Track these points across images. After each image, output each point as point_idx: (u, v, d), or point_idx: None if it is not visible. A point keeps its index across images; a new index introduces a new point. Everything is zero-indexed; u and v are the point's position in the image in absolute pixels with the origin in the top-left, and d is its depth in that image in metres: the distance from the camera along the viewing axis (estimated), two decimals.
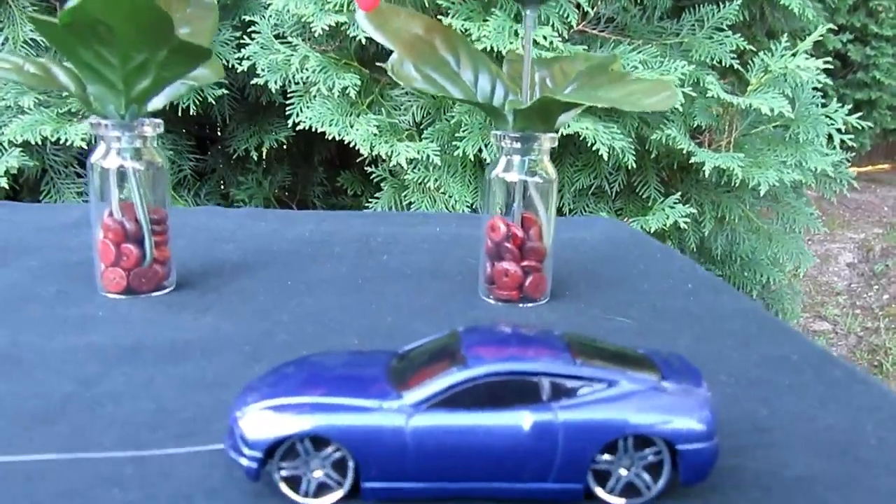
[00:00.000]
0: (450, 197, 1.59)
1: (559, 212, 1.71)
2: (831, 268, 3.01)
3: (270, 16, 1.62)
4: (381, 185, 1.68)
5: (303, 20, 1.55)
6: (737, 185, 1.63)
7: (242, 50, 1.59)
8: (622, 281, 0.72)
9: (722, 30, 1.69)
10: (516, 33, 1.45)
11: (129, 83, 0.60)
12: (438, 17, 1.50)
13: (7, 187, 1.55)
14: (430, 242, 0.85)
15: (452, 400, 0.34)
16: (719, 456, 0.36)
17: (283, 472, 0.35)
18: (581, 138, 1.53)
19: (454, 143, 1.53)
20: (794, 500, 0.37)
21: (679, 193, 1.65)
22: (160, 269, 0.66)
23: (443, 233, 0.90)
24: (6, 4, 1.64)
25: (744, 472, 0.39)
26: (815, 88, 1.70)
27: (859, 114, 1.69)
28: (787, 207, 1.84)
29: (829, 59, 1.66)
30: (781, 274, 1.98)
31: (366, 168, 1.68)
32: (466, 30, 1.46)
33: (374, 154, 1.52)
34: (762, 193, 1.59)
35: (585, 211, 1.72)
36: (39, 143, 1.53)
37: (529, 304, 0.65)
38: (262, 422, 0.34)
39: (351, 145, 1.52)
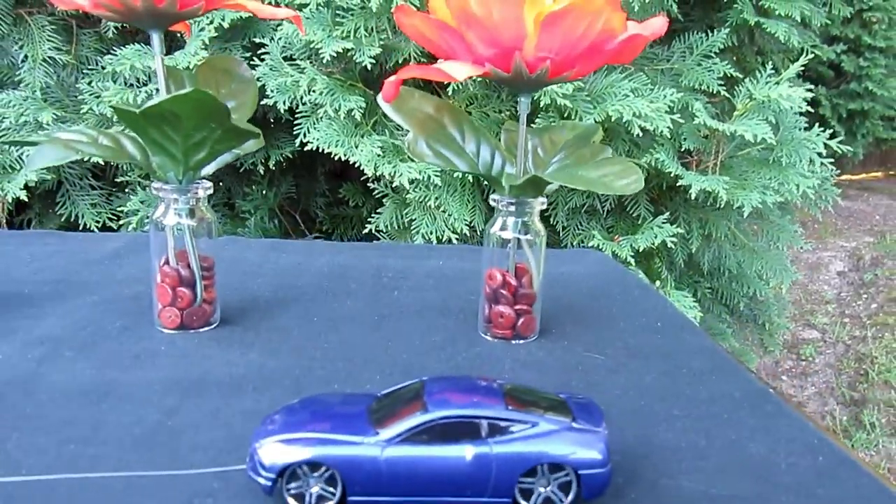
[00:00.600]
0: (449, 215, 1.73)
1: (553, 231, 1.86)
2: (822, 276, 3.17)
3: (280, 39, 1.75)
4: (384, 200, 1.82)
5: (311, 45, 1.68)
6: (722, 206, 1.78)
7: (253, 71, 1.71)
8: (602, 318, 0.87)
9: (710, 56, 1.84)
10: None
11: (188, 156, 0.75)
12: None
13: (26, 199, 1.69)
14: (434, 278, 0.99)
15: (416, 436, 0.49)
16: (663, 475, 0.51)
17: (291, 490, 0.49)
18: None
19: None
20: None
21: (668, 213, 1.80)
22: (208, 308, 0.81)
23: (446, 267, 1.04)
24: (25, 23, 1.78)
25: (679, 490, 0.54)
26: (800, 113, 1.85)
27: (840, 138, 1.83)
28: (771, 225, 1.99)
29: (811, 87, 1.81)
30: (767, 287, 2.13)
31: (369, 184, 1.82)
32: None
33: (377, 174, 1.66)
34: (745, 214, 1.74)
35: (578, 229, 1.86)
36: None
37: (521, 342, 0.80)
38: (275, 451, 0.49)
39: (356, 165, 1.66)
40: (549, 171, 0.77)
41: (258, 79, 1.71)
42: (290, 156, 1.88)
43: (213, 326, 0.81)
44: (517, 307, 0.80)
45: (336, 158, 1.66)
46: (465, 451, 0.49)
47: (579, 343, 0.80)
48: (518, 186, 0.76)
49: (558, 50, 0.70)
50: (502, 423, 0.49)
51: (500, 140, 0.83)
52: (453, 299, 0.92)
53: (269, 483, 0.49)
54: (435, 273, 1.02)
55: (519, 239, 0.79)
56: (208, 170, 0.79)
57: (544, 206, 0.79)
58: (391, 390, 0.55)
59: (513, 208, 0.78)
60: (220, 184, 2.01)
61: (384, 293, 0.93)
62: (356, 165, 1.66)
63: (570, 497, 0.50)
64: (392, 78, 0.72)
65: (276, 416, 0.53)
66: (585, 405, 0.54)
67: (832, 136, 1.82)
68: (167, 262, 0.79)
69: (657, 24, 0.72)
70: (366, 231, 1.83)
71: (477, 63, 0.72)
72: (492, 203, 0.80)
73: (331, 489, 0.49)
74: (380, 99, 0.77)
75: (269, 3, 1.60)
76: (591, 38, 0.69)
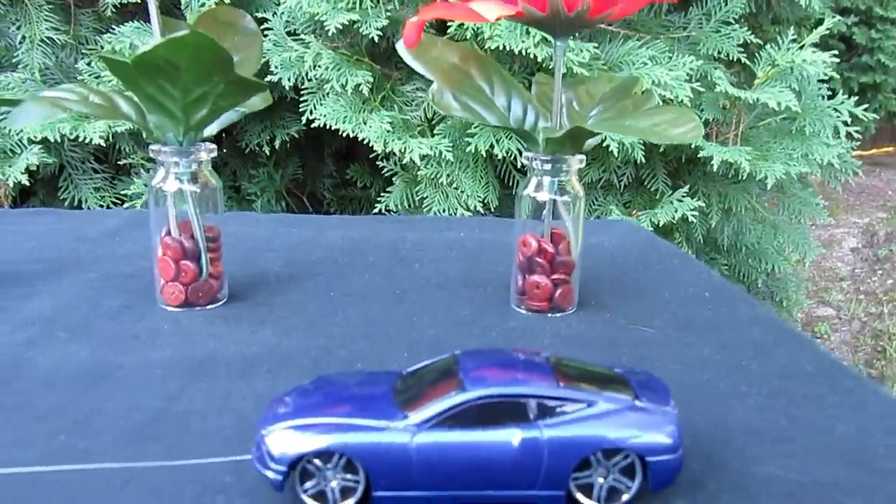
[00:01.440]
0: (462, 192, 1.64)
1: None
2: (835, 253, 3.08)
3: (283, 13, 1.67)
4: (393, 179, 1.73)
5: (315, 18, 1.60)
6: (744, 177, 1.69)
7: None
8: (643, 289, 0.78)
9: (729, 23, 1.75)
10: (528, 31, 1.51)
11: (188, 113, 0.66)
12: None
13: (28, 183, 1.60)
14: (456, 249, 0.91)
15: (451, 419, 0.40)
16: (746, 462, 0.43)
17: (308, 491, 0.41)
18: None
19: (466, 139, 1.59)
20: None
21: (687, 186, 1.71)
22: (214, 283, 0.72)
23: (466, 238, 0.96)
24: (22, 3, 1.69)
25: (768, 478, 0.45)
26: (820, 81, 1.76)
27: (865, 105, 1.75)
28: (792, 198, 1.91)
29: (835, 51, 1.72)
30: (786, 262, 2.05)
31: (377, 163, 1.74)
32: (479, 27, 1.52)
33: (387, 150, 1.57)
34: (769, 186, 1.65)
35: (595, 204, 1.78)
36: (58, 140, 1.59)
37: (558, 315, 0.72)
38: (286, 440, 0.40)
39: (365, 142, 1.58)
40: (591, 123, 0.68)
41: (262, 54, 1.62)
42: (296, 135, 1.80)
43: (220, 303, 0.73)
44: (554, 276, 0.71)
45: (344, 136, 1.57)
46: (512, 436, 0.40)
47: (622, 315, 0.72)
48: (556, 141, 0.67)
49: None
50: (554, 403, 0.41)
51: (531, 93, 0.74)
52: (478, 271, 0.83)
53: (280, 477, 0.40)
54: (456, 245, 0.93)
55: (555, 201, 0.71)
56: (211, 129, 0.71)
57: (583, 165, 0.70)
58: (418, 367, 0.46)
59: (548, 167, 0.70)
60: (226, 165, 1.93)
61: (403, 266, 0.85)
62: (365, 143, 1.58)
63: (634, 489, 0.42)
64: (413, 19, 0.63)
65: (287, 398, 0.44)
66: (647, 380, 0.45)
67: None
68: (169, 234, 0.71)
69: None
70: (375, 211, 1.75)
71: (509, 2, 0.64)
72: (524, 161, 0.71)
73: (353, 483, 0.41)
74: (399, 46, 0.69)
75: None
76: None
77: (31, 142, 1.64)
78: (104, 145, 1.61)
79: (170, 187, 0.70)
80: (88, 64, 1.66)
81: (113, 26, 1.65)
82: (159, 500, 0.42)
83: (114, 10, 1.70)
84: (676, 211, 1.66)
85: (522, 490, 0.41)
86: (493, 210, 1.70)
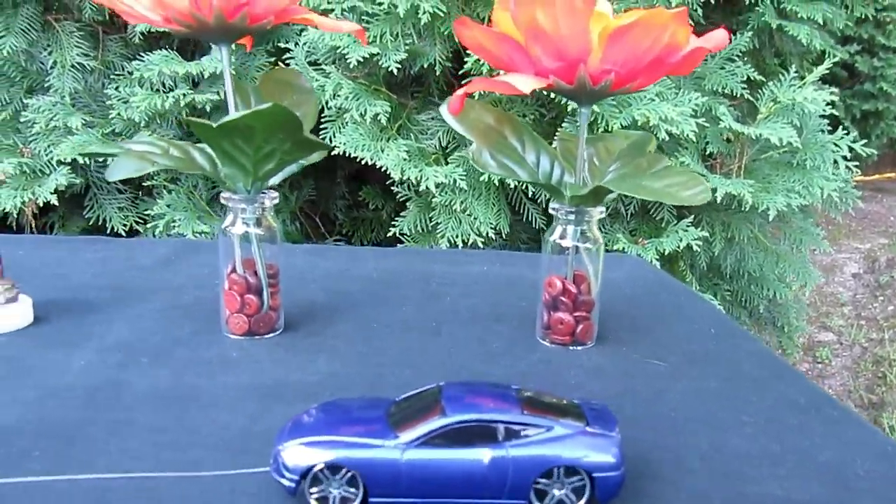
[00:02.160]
0: (475, 219, 1.75)
1: None
2: (836, 278, 3.19)
3: (305, 43, 1.77)
4: (407, 204, 1.84)
5: (337, 50, 1.71)
6: (747, 209, 1.81)
7: None
8: (655, 325, 0.89)
9: (733, 60, 1.86)
10: None
11: (258, 167, 0.77)
12: (468, 51, 1.66)
13: (56, 203, 1.71)
14: (481, 284, 1.02)
15: (434, 439, 0.51)
16: (744, 481, 0.54)
17: (314, 494, 0.52)
18: None
19: (480, 168, 1.70)
20: None
21: (692, 216, 1.83)
22: (273, 315, 0.83)
23: (490, 273, 1.07)
24: (53, 29, 1.80)
25: (762, 496, 0.56)
26: (822, 116, 1.88)
27: (864, 141, 1.86)
28: (793, 228, 2.02)
29: (835, 88, 1.83)
30: (787, 289, 2.16)
31: (393, 188, 1.84)
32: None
33: (404, 178, 1.68)
34: (771, 217, 1.76)
35: (602, 231, 1.89)
36: (86, 161, 1.70)
37: (579, 348, 0.83)
38: (298, 454, 0.52)
39: (382, 169, 1.69)
40: (610, 181, 0.79)
41: None
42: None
43: (277, 332, 0.84)
44: (576, 314, 0.82)
45: (360, 162, 1.68)
46: (483, 455, 0.51)
47: (637, 349, 0.83)
48: (580, 196, 0.78)
49: (623, 63, 0.73)
50: (518, 427, 0.52)
51: (555, 148, 0.85)
52: (504, 306, 0.94)
53: (293, 484, 0.52)
54: (481, 279, 1.04)
55: (577, 247, 0.82)
56: (274, 180, 0.81)
57: (603, 215, 0.81)
58: (408, 395, 0.57)
59: (572, 217, 0.81)
60: None
61: (436, 300, 0.96)
62: (382, 169, 1.69)
63: (584, 500, 0.52)
64: (459, 91, 0.75)
65: (298, 419, 0.55)
66: (599, 411, 0.56)
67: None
68: (234, 270, 0.82)
69: (719, 37, 0.75)
70: (389, 234, 1.85)
71: (540, 75, 0.75)
72: (551, 212, 0.82)
73: (353, 490, 0.52)
74: (443, 110, 0.80)
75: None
76: (656, 51, 0.72)
77: (59, 163, 1.75)
78: None
79: (237, 230, 0.81)
80: (116, 89, 1.76)
81: (140, 53, 1.76)
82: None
83: (141, 37, 1.81)
84: (682, 240, 1.77)
85: (492, 499, 0.52)
86: (504, 237, 1.81)
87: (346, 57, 1.67)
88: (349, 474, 0.51)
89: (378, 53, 1.68)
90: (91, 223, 1.85)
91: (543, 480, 0.52)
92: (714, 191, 1.73)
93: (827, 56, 1.95)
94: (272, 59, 1.82)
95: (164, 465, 0.58)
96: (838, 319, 2.86)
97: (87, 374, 0.72)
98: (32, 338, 0.80)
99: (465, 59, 1.66)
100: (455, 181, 1.67)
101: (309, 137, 0.76)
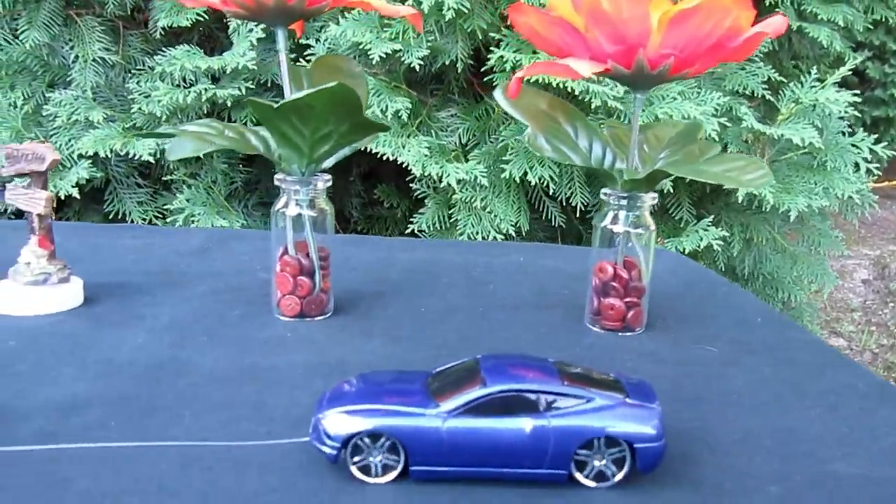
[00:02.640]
0: (495, 216, 1.76)
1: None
2: (847, 284, 3.20)
3: (326, 39, 1.78)
4: (426, 201, 1.84)
5: (360, 46, 1.71)
6: (767, 209, 1.81)
7: None
8: (700, 314, 0.90)
9: (753, 61, 1.87)
10: None
11: (314, 149, 0.78)
12: (490, 48, 1.67)
13: (77, 196, 1.71)
14: (522, 274, 1.02)
15: (475, 409, 0.52)
16: (822, 462, 0.55)
17: (357, 463, 0.52)
18: None
19: (501, 165, 1.71)
20: (870, 496, 0.55)
21: (711, 216, 1.83)
22: (324, 297, 0.83)
23: (528, 264, 1.07)
24: (75, 24, 1.80)
25: (841, 474, 0.57)
26: (841, 118, 1.89)
27: (884, 144, 1.87)
28: (811, 230, 2.02)
29: (857, 90, 1.84)
30: (802, 292, 2.16)
31: (410, 185, 1.85)
32: (518, 60, 1.63)
33: (425, 174, 1.68)
34: (792, 218, 1.77)
35: None
36: (107, 155, 1.70)
37: (629, 334, 0.83)
38: (340, 422, 0.52)
39: (403, 166, 1.69)
40: (668, 165, 0.80)
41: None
42: None
43: (327, 315, 0.84)
44: (627, 300, 0.83)
45: (380, 158, 1.68)
46: (524, 424, 0.51)
47: (686, 336, 0.83)
48: (634, 181, 0.79)
49: (682, 47, 0.73)
50: (559, 398, 0.52)
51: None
52: (548, 294, 0.95)
53: (335, 452, 0.52)
54: (521, 269, 1.05)
55: (629, 232, 0.82)
56: (328, 162, 0.82)
57: (655, 201, 0.82)
58: (445, 367, 0.57)
59: (624, 202, 0.81)
60: (259, 183, 2.03)
61: (479, 288, 0.96)
62: (404, 166, 1.69)
63: (624, 471, 0.53)
64: (518, 74, 0.75)
65: (337, 389, 0.55)
66: (638, 385, 0.57)
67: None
68: (286, 252, 0.82)
69: (777, 23, 0.75)
70: (408, 231, 1.86)
71: (597, 60, 0.75)
72: (602, 197, 0.83)
73: (394, 457, 0.52)
74: (498, 94, 0.81)
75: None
76: (717, 35, 0.72)
77: (80, 157, 1.75)
78: (153, 160, 1.72)
79: (290, 212, 0.81)
80: (138, 83, 1.77)
81: (160, 48, 1.77)
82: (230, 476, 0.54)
83: (162, 32, 1.82)
84: (702, 239, 1.77)
85: (533, 469, 0.52)
86: (524, 235, 1.81)
87: (369, 53, 1.67)
88: (390, 442, 0.52)
89: (400, 50, 1.69)
90: (110, 218, 1.85)
91: (584, 451, 0.52)
92: (735, 191, 1.74)
93: (846, 58, 1.96)
94: (293, 56, 1.82)
95: (242, 436, 0.58)
96: (848, 325, 2.87)
97: (147, 351, 0.72)
98: (86, 317, 0.80)
99: (489, 57, 1.66)
100: (476, 178, 1.68)
101: (368, 118, 0.76)
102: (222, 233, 1.16)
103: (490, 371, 0.54)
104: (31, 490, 0.51)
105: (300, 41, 1.80)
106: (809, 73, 1.83)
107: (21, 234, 0.82)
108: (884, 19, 2.11)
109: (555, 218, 1.84)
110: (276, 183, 0.81)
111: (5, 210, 1.85)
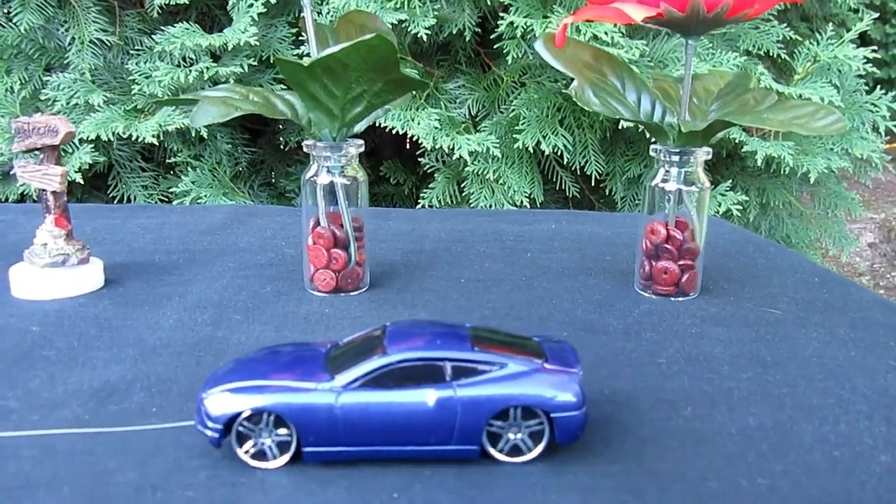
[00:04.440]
0: (508, 188, 1.70)
1: (611, 201, 1.83)
2: (853, 248, 3.16)
3: (328, 13, 1.72)
4: (435, 175, 1.79)
5: None
6: (786, 172, 1.76)
7: (302, 47, 1.68)
8: (754, 276, 0.84)
9: (767, 20, 1.81)
10: (578, 30, 1.57)
11: (346, 111, 0.72)
12: (500, 14, 1.61)
13: (81, 181, 1.65)
14: (557, 241, 0.97)
15: (373, 381, 0.46)
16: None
17: (241, 443, 0.46)
18: (640, 130, 1.65)
19: (513, 135, 1.65)
20: None
21: (728, 181, 1.78)
22: (359, 270, 0.78)
23: (561, 230, 1.02)
24: (70, 5, 1.74)
25: None
26: (858, 76, 1.83)
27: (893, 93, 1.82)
28: (828, 192, 1.97)
29: (874, 46, 1.79)
30: (816, 256, 2.11)
31: (419, 161, 1.79)
32: (529, 26, 1.58)
33: (436, 147, 1.63)
34: (812, 180, 1.72)
35: (635, 199, 1.84)
36: (110, 139, 1.64)
37: (682, 299, 0.78)
38: (222, 401, 0.46)
39: (414, 139, 1.63)
40: (730, 114, 0.74)
41: (308, 55, 1.67)
42: None
43: (363, 289, 0.78)
44: (681, 262, 0.77)
45: (389, 132, 1.62)
46: (427, 396, 0.45)
47: (745, 299, 0.78)
48: (687, 134, 0.73)
49: None
50: (467, 366, 0.46)
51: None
52: (589, 260, 0.89)
53: (217, 435, 0.46)
54: (556, 236, 0.99)
55: (681, 190, 0.77)
56: (361, 126, 0.76)
57: (709, 156, 0.76)
58: (353, 336, 0.51)
59: (676, 158, 0.76)
60: (263, 163, 1.98)
61: (516, 256, 0.91)
62: (414, 139, 1.64)
63: (542, 445, 0.47)
64: (568, 19, 0.69)
65: (226, 366, 0.49)
66: (560, 347, 0.51)
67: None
68: (318, 224, 0.77)
69: None
70: (419, 206, 1.80)
71: (650, 4, 0.70)
72: (652, 154, 0.77)
73: (284, 441, 0.46)
74: (538, 46, 0.75)
75: None
76: None
77: (82, 141, 1.69)
78: (156, 143, 1.66)
79: (322, 180, 0.75)
80: (137, 64, 1.70)
81: (158, 27, 1.70)
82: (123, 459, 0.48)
83: (159, 11, 1.75)
84: (720, 205, 1.72)
85: (439, 445, 0.46)
86: (538, 206, 1.76)
87: None
88: (280, 423, 0.46)
89: (406, 20, 1.63)
90: (117, 201, 1.79)
91: (498, 423, 0.46)
92: (754, 153, 1.69)
93: (860, 15, 1.90)
94: (294, 31, 1.76)
95: None
96: None
97: (181, 332, 0.67)
98: (109, 299, 0.75)
99: (498, 24, 1.60)
100: (488, 149, 1.62)
101: (405, 74, 0.70)
102: (239, 209, 1.10)
103: (392, 339, 0.48)
104: (72, 480, 0.45)
105: (300, 15, 1.74)
106: (824, 31, 1.77)
107: (30, 218, 0.76)
108: None
109: (569, 188, 1.78)
110: (306, 150, 0.75)
111: (6, 198, 1.79)
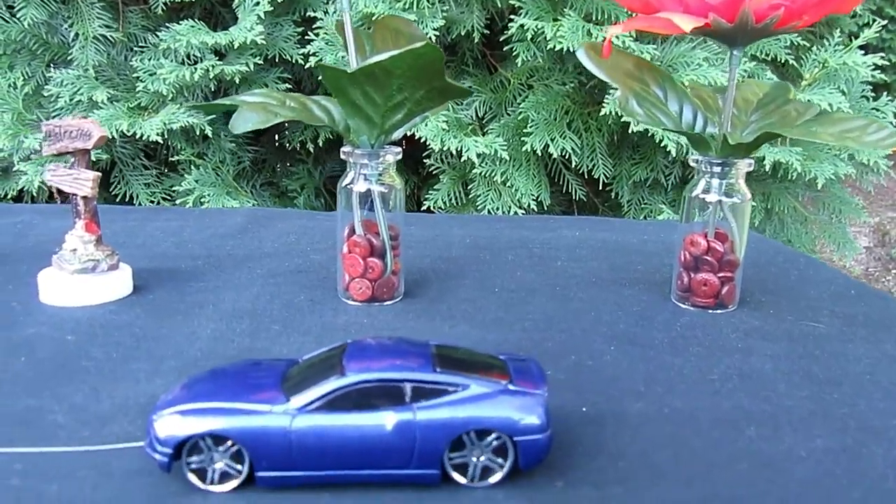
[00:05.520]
0: (516, 191, 1.69)
1: (617, 205, 1.83)
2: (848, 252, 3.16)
3: (334, 12, 1.70)
4: (440, 177, 1.77)
5: (373, 18, 1.63)
6: (793, 178, 1.75)
7: (308, 46, 1.66)
8: (789, 288, 0.84)
9: None
10: (589, 33, 1.56)
11: (386, 118, 0.71)
12: (509, 16, 1.60)
13: None
14: (584, 248, 0.96)
15: (330, 403, 0.44)
16: None
17: (192, 466, 0.44)
18: (649, 135, 1.64)
19: (521, 138, 1.64)
20: None
21: None
22: (395, 280, 0.76)
23: (585, 238, 1.01)
24: (74, 1, 1.71)
25: None
26: (864, 82, 1.83)
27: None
28: (832, 198, 1.97)
29: (882, 52, 1.79)
30: (817, 259, 2.11)
31: (423, 161, 1.78)
32: (540, 28, 1.56)
33: (444, 149, 1.62)
34: (820, 186, 1.71)
35: (642, 203, 1.83)
36: (114, 136, 1.62)
37: (721, 311, 0.76)
38: (172, 424, 0.44)
39: (422, 141, 1.62)
40: (779, 127, 0.73)
41: (314, 54, 1.66)
42: (336, 134, 1.84)
43: (398, 299, 0.77)
44: (721, 274, 0.76)
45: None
46: (385, 419, 0.44)
47: (785, 312, 0.77)
48: (731, 146, 0.72)
49: None
50: (428, 387, 0.45)
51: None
52: (621, 270, 0.88)
53: (166, 459, 0.44)
54: (582, 244, 0.98)
55: (722, 202, 0.76)
56: (398, 133, 0.75)
57: (751, 168, 0.75)
58: (312, 354, 0.50)
59: (718, 169, 0.75)
60: (265, 162, 1.96)
61: (546, 264, 0.89)
62: (421, 141, 1.62)
63: (505, 469, 0.46)
64: (612, 30, 0.68)
65: (178, 387, 0.48)
66: (526, 366, 0.49)
67: None
68: (353, 232, 0.75)
69: None
70: (424, 208, 1.79)
71: (695, 14, 0.69)
72: (692, 164, 0.76)
73: (236, 466, 0.44)
74: (581, 54, 0.74)
75: None
76: None
77: None
78: (160, 140, 1.64)
79: (359, 188, 0.74)
80: (141, 61, 1.68)
81: (162, 24, 1.68)
82: (62, 484, 0.46)
83: (164, 7, 1.73)
84: None
85: (398, 469, 0.45)
86: (545, 209, 1.75)
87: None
88: (232, 446, 0.44)
89: (415, 21, 1.61)
90: (116, 200, 1.77)
91: (457, 448, 0.45)
92: (762, 159, 1.68)
93: (858, 21, 1.90)
94: (300, 30, 1.74)
95: None
96: None
97: (220, 342, 0.65)
98: (140, 307, 0.73)
99: (509, 26, 1.59)
100: (496, 151, 1.61)
101: (450, 82, 0.69)
102: (258, 212, 1.08)
103: (351, 358, 0.46)
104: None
105: (309, 14, 1.72)
106: (831, 36, 1.77)
107: (46, 218, 0.75)
108: None
109: (575, 191, 1.77)
110: (343, 157, 0.74)
111: (5, 195, 1.77)
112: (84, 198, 0.74)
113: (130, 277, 0.77)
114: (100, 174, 0.74)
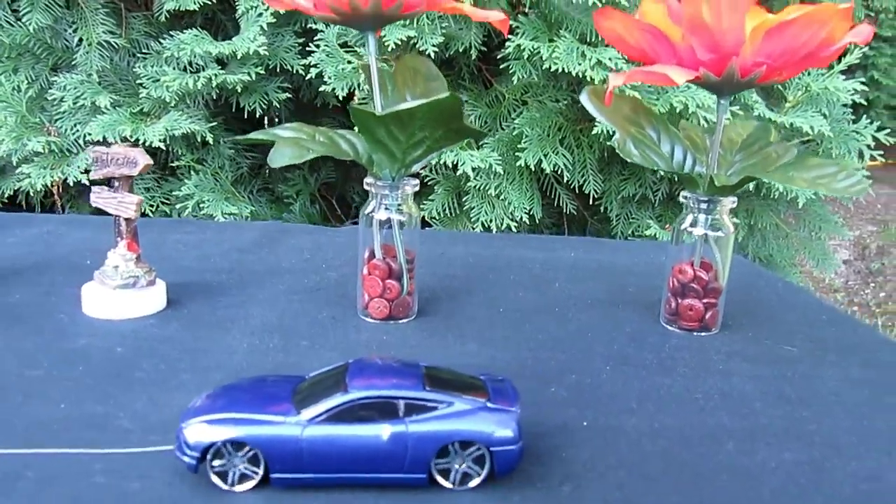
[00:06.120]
0: (509, 204, 1.78)
1: (606, 220, 1.92)
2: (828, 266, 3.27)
3: (336, 26, 1.78)
4: (435, 188, 1.86)
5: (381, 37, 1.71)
6: (776, 196, 1.85)
7: (309, 57, 1.74)
8: (768, 312, 0.93)
9: None
10: (583, 55, 1.65)
11: (407, 154, 0.80)
12: (508, 36, 1.69)
13: (86, 183, 1.71)
14: (580, 270, 1.05)
15: (335, 416, 0.54)
16: None
17: (215, 469, 0.54)
18: None
19: (515, 152, 1.73)
20: None
21: None
22: (409, 299, 0.85)
23: (580, 259, 1.10)
24: (78, 6, 1.79)
25: None
26: (846, 105, 1.93)
27: (887, 130, 1.92)
28: (812, 215, 2.07)
29: (863, 78, 1.89)
30: (798, 275, 2.21)
31: (419, 171, 1.86)
32: (536, 49, 1.65)
33: (441, 162, 1.70)
34: (801, 205, 1.81)
35: (630, 217, 1.93)
36: (116, 141, 1.70)
37: (704, 334, 0.86)
38: (199, 431, 0.54)
39: None
40: (758, 171, 0.83)
41: (315, 65, 1.74)
42: None
43: (412, 317, 0.86)
44: (705, 300, 0.86)
45: None
46: (382, 431, 0.53)
47: (763, 335, 0.86)
48: (716, 187, 0.81)
49: (776, 57, 0.76)
50: (418, 403, 0.54)
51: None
52: (616, 292, 0.97)
53: (194, 462, 0.53)
54: (578, 265, 1.07)
55: (707, 235, 0.85)
56: (416, 167, 0.84)
57: (734, 205, 0.85)
58: (317, 373, 0.59)
59: (704, 206, 0.84)
60: (261, 168, 2.04)
61: (546, 285, 0.99)
62: None
63: (483, 475, 0.55)
64: (614, 81, 0.77)
65: (203, 398, 0.57)
66: (502, 387, 0.59)
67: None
68: (373, 255, 0.84)
69: (865, 31, 0.78)
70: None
71: (687, 67, 0.78)
72: (681, 200, 0.85)
73: (254, 468, 0.54)
74: (584, 98, 0.83)
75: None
76: (812, 46, 0.75)
77: (86, 142, 1.74)
78: (163, 146, 1.72)
79: (380, 216, 0.83)
80: (145, 67, 1.76)
81: (164, 31, 1.76)
82: (144, 483, 0.55)
83: (167, 15, 1.81)
84: None
85: (391, 473, 0.54)
86: (537, 223, 1.84)
87: (383, 40, 1.68)
88: (251, 452, 0.53)
89: (415, 36, 1.70)
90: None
91: (443, 458, 0.54)
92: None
93: (849, 49, 2.00)
94: (300, 41, 1.82)
95: None
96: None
97: (256, 355, 0.74)
98: (176, 320, 0.82)
99: (506, 45, 1.68)
100: (491, 165, 1.70)
101: (466, 125, 0.78)
102: (270, 226, 1.17)
103: (353, 377, 0.56)
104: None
105: (310, 26, 1.80)
106: None
107: (72, 229, 0.82)
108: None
109: (566, 205, 1.86)
110: (366, 187, 0.83)
111: (1, 194, 1.84)
112: (127, 219, 0.82)
113: (165, 292, 0.85)
114: (142, 199, 0.82)
